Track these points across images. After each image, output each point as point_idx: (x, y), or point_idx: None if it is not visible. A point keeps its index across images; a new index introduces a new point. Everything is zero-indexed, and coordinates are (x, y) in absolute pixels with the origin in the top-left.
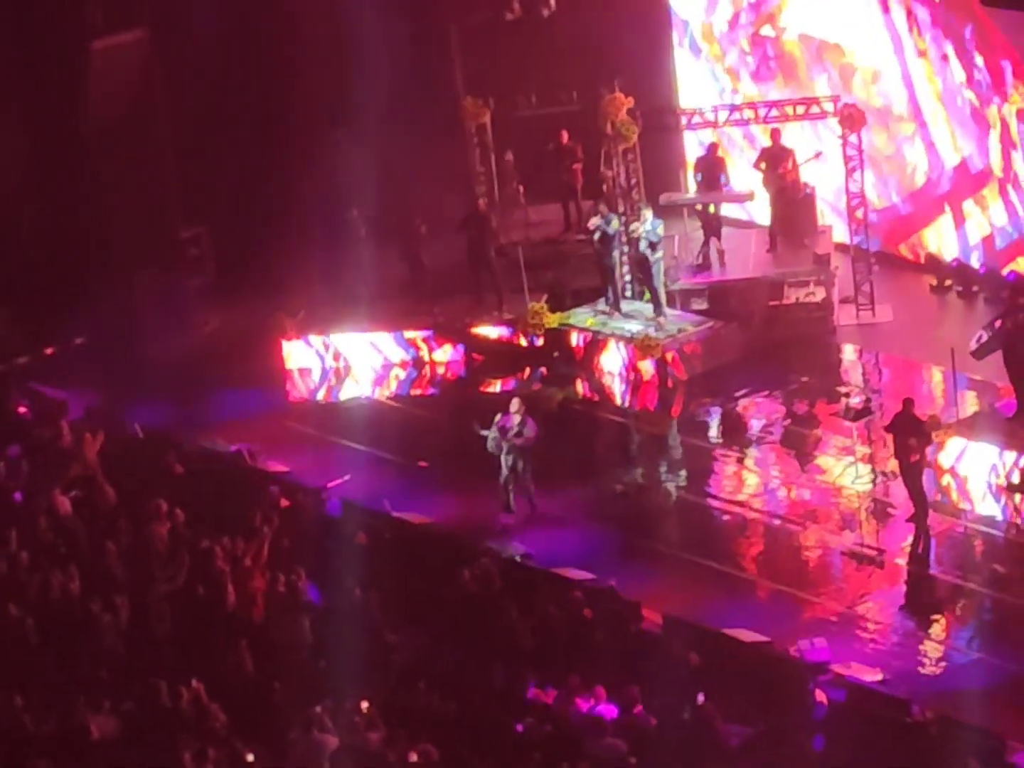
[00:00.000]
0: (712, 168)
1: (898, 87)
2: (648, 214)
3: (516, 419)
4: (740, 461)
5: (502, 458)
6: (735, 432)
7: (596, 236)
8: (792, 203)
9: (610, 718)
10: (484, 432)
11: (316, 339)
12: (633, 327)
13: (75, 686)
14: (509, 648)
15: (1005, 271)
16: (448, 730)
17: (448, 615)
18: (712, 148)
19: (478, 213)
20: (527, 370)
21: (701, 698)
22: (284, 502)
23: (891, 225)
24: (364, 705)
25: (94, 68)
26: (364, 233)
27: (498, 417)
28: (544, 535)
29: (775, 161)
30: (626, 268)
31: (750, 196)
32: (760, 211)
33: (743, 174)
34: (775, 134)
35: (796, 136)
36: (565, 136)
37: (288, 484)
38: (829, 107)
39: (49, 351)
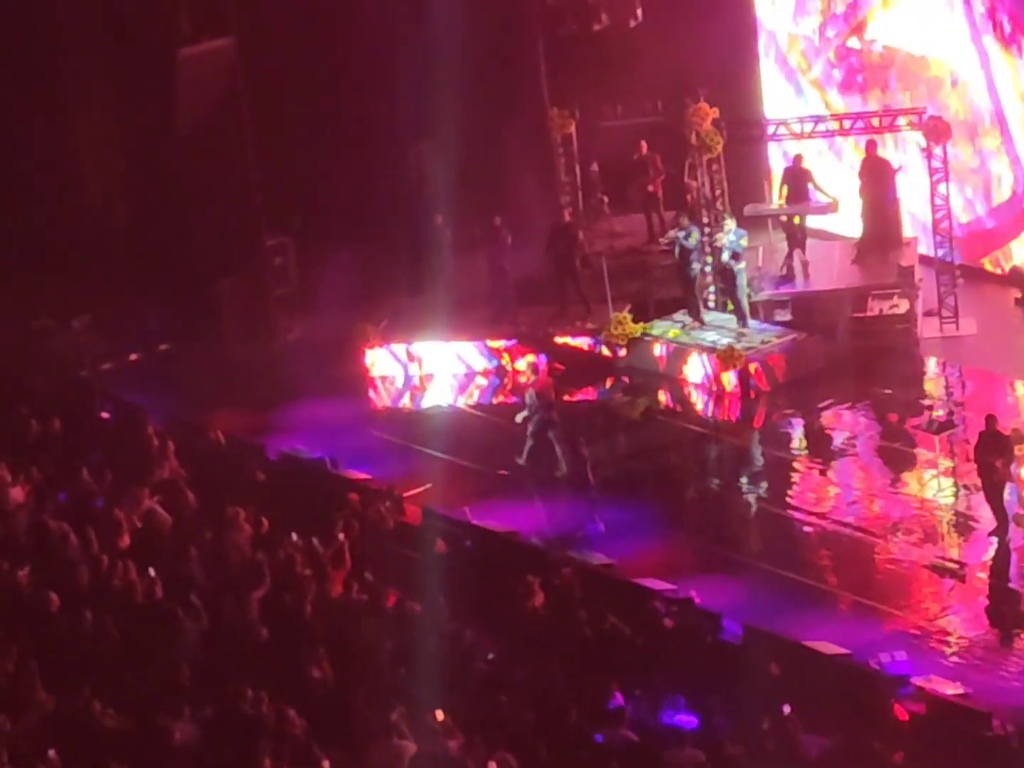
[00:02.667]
0: (798, 179)
1: (983, 100)
2: (731, 225)
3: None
4: (822, 472)
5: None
6: (817, 443)
7: (676, 250)
8: (883, 215)
9: (689, 728)
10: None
11: (399, 347)
12: (716, 338)
13: (156, 691)
14: (589, 657)
15: None
16: (527, 739)
17: (527, 624)
18: (797, 159)
19: (564, 224)
20: (609, 380)
21: (787, 709)
22: (365, 510)
23: (975, 238)
24: (439, 713)
25: (181, 76)
26: (448, 242)
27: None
28: (625, 545)
29: (872, 172)
30: (709, 279)
31: (834, 208)
32: (844, 223)
33: (827, 185)
34: (871, 146)
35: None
36: (645, 147)
37: (369, 492)
38: (914, 119)
39: (133, 357)
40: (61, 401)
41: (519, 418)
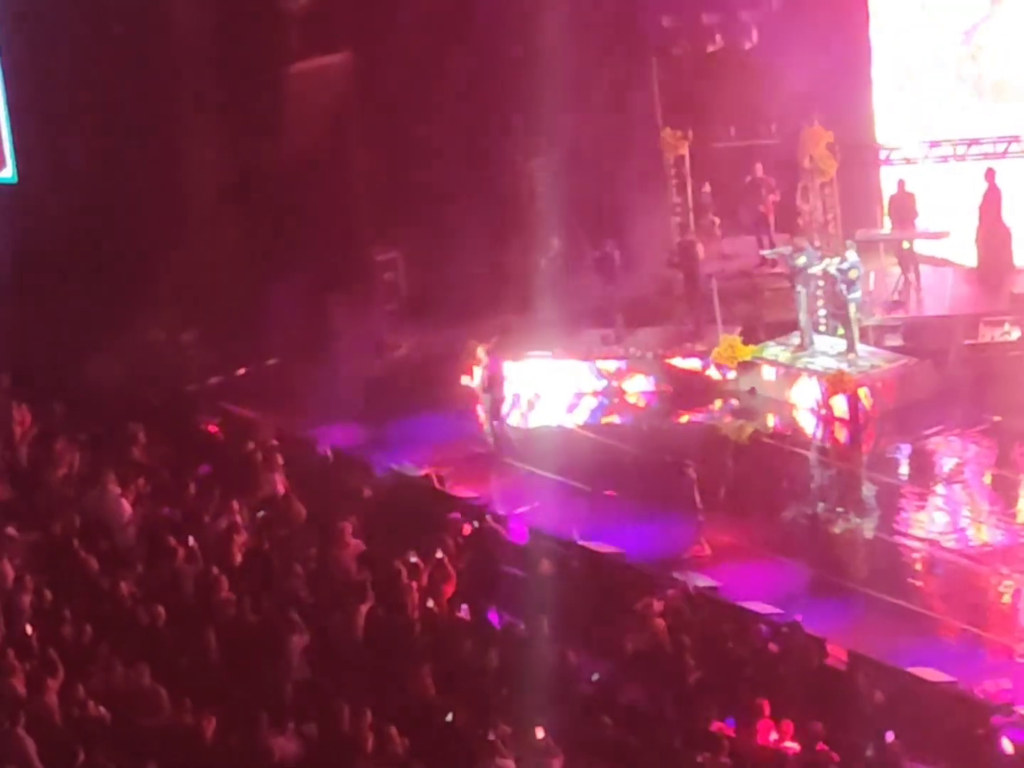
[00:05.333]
0: (904, 205)
1: None
2: (851, 254)
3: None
4: (930, 499)
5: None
6: (925, 470)
7: (790, 267)
8: (996, 243)
9: (792, 753)
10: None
11: (508, 365)
12: (826, 362)
13: (260, 707)
14: (692, 680)
15: None
16: (629, 760)
17: (632, 645)
18: (900, 184)
19: (685, 243)
20: (718, 402)
21: (891, 736)
22: (471, 528)
23: None
24: (540, 732)
25: (293, 91)
26: (560, 261)
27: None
28: (731, 568)
29: (987, 199)
30: (821, 303)
31: (946, 233)
32: (956, 249)
33: (942, 212)
34: (989, 174)
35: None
36: (760, 169)
37: (475, 510)
38: None
39: (241, 372)
40: (170, 415)
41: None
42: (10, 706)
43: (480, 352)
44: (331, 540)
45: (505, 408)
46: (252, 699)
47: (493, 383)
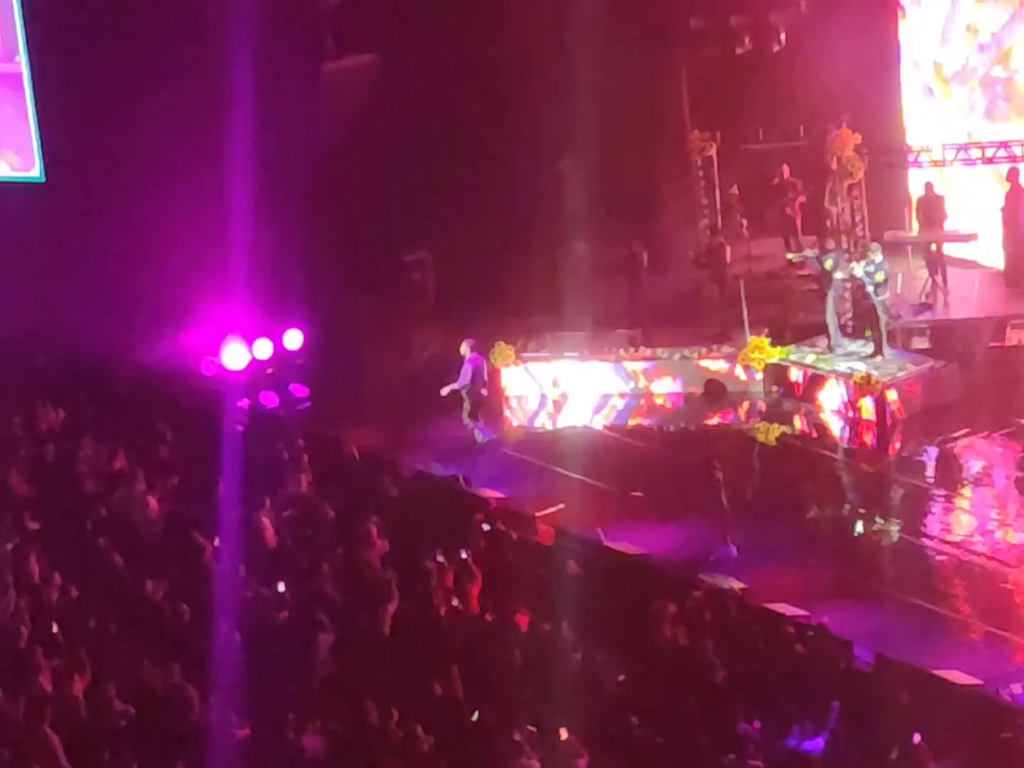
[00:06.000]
0: (931, 207)
1: None
2: (877, 255)
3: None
4: (957, 501)
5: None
6: (953, 472)
7: (817, 270)
8: (1022, 245)
9: (817, 753)
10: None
11: (535, 367)
12: (853, 364)
13: (288, 704)
14: (718, 681)
15: None
16: (655, 761)
17: (658, 646)
18: (928, 187)
19: (713, 245)
20: (745, 404)
21: (917, 738)
22: (497, 528)
23: None
24: (563, 732)
25: (324, 90)
26: (587, 263)
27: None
28: (758, 569)
29: (1013, 201)
30: (848, 305)
31: (974, 236)
32: (984, 252)
33: (970, 214)
34: (1013, 174)
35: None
36: (787, 171)
37: (502, 511)
38: None
39: (269, 371)
40: (196, 413)
41: (446, 391)
42: (37, 703)
43: (464, 348)
44: (358, 539)
45: (471, 409)
46: (280, 697)
47: (475, 380)
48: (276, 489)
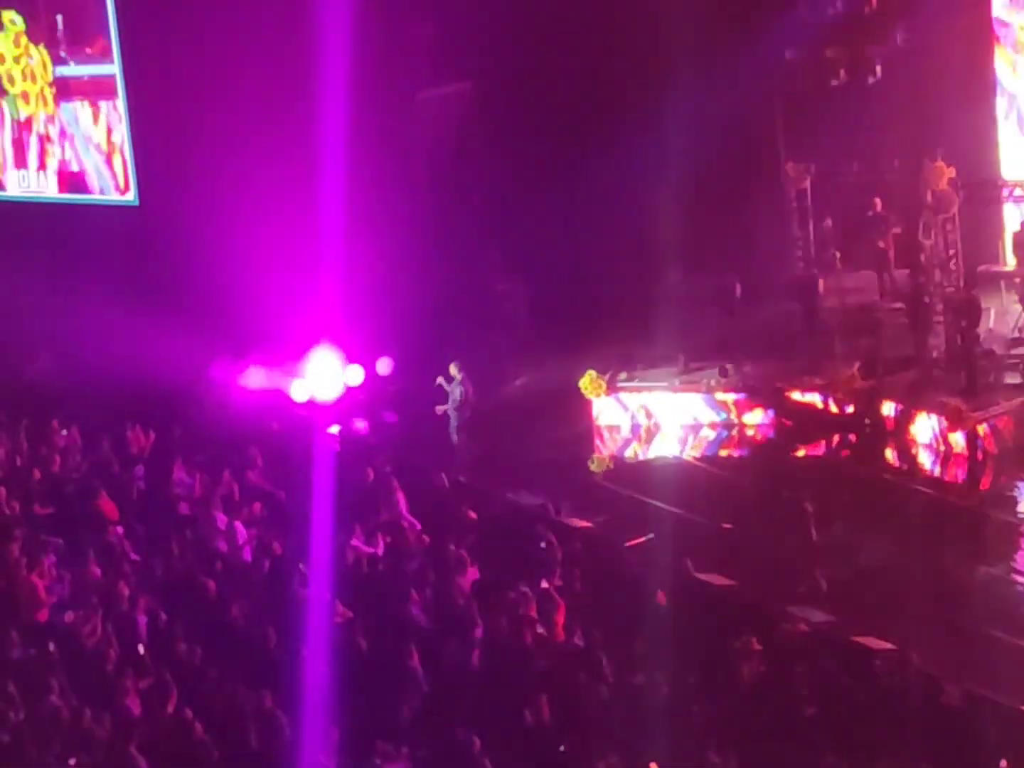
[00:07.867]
0: None
1: None
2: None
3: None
4: None
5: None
6: None
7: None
8: None
9: None
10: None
11: (627, 397)
12: (945, 398)
13: (376, 731)
14: (806, 716)
15: None
16: None
17: (745, 680)
18: (1023, 222)
19: (807, 278)
20: (836, 437)
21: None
22: (585, 558)
23: None
24: (653, 766)
25: (419, 117)
26: (681, 293)
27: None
28: (846, 603)
29: None
30: (941, 339)
31: None
32: None
33: None
34: None
35: None
36: (879, 203)
37: (591, 540)
38: None
39: (360, 397)
40: (287, 438)
41: (440, 409)
42: (124, 725)
43: (453, 370)
44: (449, 567)
45: (458, 425)
46: (367, 724)
47: (465, 401)
48: (366, 515)
